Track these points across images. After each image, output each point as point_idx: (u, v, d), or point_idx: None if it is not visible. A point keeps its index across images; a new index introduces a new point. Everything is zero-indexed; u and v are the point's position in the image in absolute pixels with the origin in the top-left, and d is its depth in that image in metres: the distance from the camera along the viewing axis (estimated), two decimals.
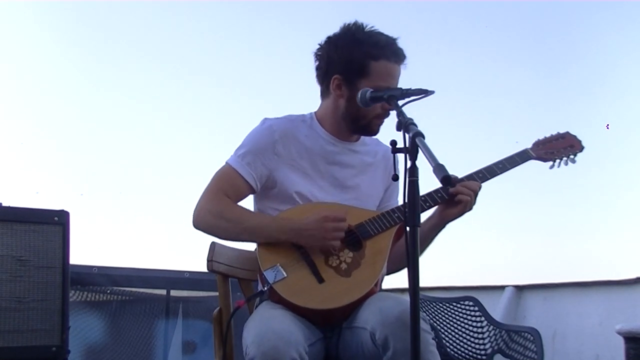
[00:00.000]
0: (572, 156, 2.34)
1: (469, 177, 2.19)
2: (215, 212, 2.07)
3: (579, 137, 2.37)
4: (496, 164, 2.23)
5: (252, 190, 2.14)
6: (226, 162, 2.15)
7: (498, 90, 5.95)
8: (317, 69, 2.22)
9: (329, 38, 2.18)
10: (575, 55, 5.54)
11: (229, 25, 6.05)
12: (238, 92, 5.99)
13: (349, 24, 2.16)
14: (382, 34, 2.14)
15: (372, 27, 2.15)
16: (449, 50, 5.93)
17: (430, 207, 2.16)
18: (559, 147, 2.33)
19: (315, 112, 2.25)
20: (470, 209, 2.15)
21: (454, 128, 5.72)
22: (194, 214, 2.10)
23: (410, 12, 5.86)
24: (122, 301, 3.76)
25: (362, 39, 2.11)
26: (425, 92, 1.87)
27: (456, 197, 2.12)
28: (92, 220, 4.96)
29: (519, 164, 2.27)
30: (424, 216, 2.17)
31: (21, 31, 5.47)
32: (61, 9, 5.33)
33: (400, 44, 2.14)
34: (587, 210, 5.39)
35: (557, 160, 2.33)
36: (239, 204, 2.15)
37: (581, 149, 2.35)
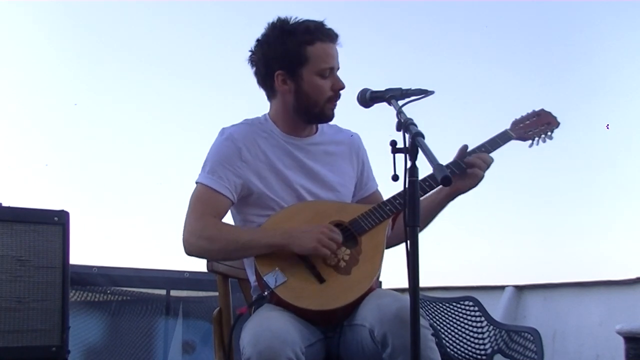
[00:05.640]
0: (549, 133, 2.35)
1: (454, 163, 2.17)
2: (205, 237, 2.03)
3: (554, 114, 2.37)
4: (479, 148, 2.22)
5: (230, 203, 2.11)
6: (197, 182, 2.12)
7: (498, 91, 5.96)
8: (256, 74, 2.19)
9: (258, 40, 2.17)
10: (576, 55, 5.54)
11: (227, 26, 6.06)
12: (238, 91, 5.99)
13: (273, 22, 2.16)
14: (309, 20, 2.14)
15: (296, 17, 2.15)
16: (449, 50, 5.93)
17: (433, 188, 2.14)
18: (537, 125, 2.33)
19: (268, 114, 2.24)
20: (481, 181, 2.15)
21: (454, 128, 5.72)
22: (183, 242, 2.05)
23: (410, 12, 5.87)
24: (122, 301, 3.76)
25: (291, 30, 2.11)
26: (425, 92, 1.87)
27: (470, 169, 2.12)
28: (92, 220, 4.97)
29: (501, 146, 2.27)
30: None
31: (19, 33, 5.48)
32: (59, 11, 5.34)
33: (328, 24, 2.14)
34: (587, 211, 5.39)
35: (536, 138, 2.33)
36: (224, 220, 2.12)
37: (557, 125, 2.36)
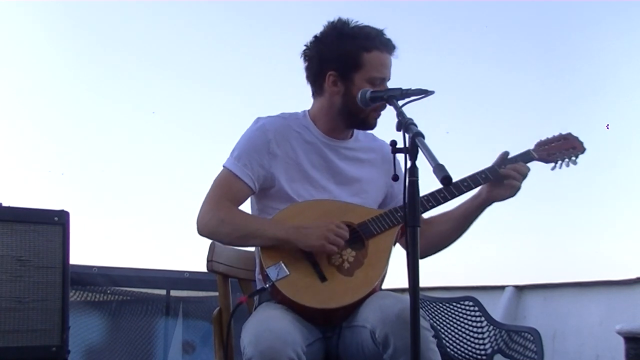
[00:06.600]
0: (573, 158, 2.31)
1: (472, 177, 2.17)
2: (217, 219, 2.07)
3: (581, 139, 2.34)
4: (499, 165, 2.21)
5: (251, 191, 2.13)
6: (223, 166, 2.15)
7: (498, 91, 5.96)
8: (307, 69, 2.20)
9: (316, 37, 2.18)
10: (576, 56, 5.54)
11: (226, 25, 6.06)
12: (237, 91, 5.99)
13: (333, 21, 2.16)
14: (369, 26, 2.15)
15: (357, 21, 2.15)
16: (449, 50, 5.93)
17: (471, 189, 2.17)
18: (561, 149, 2.31)
19: (308, 111, 2.25)
20: (519, 191, 2.16)
21: (454, 128, 5.72)
22: (197, 221, 2.09)
23: (410, 12, 5.87)
24: (122, 301, 3.77)
25: (351, 33, 2.12)
26: (425, 92, 1.87)
27: (506, 180, 2.14)
28: (92, 220, 4.97)
29: None
30: (469, 194, 2.20)
31: (19, 33, 5.48)
32: (59, 11, 5.34)
33: (388, 34, 2.15)
34: (587, 210, 5.39)
35: (559, 162, 2.31)
36: (241, 207, 2.15)
37: (583, 150, 2.32)
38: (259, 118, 2.19)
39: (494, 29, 5.81)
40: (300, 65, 2.22)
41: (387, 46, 2.13)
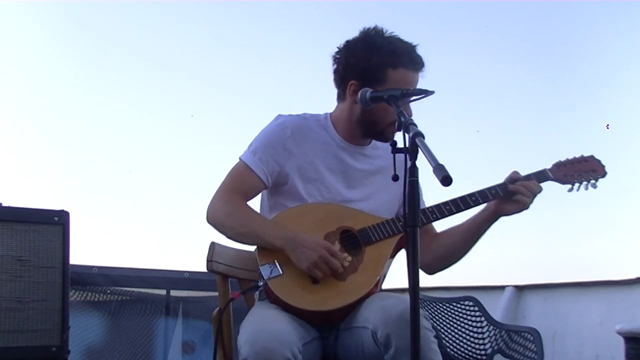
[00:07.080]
0: (593, 181, 2.23)
1: (481, 192, 2.15)
2: (225, 211, 2.09)
3: (603, 162, 2.26)
4: (510, 181, 2.17)
5: (264, 186, 2.15)
6: (239, 158, 2.17)
7: (498, 91, 5.96)
8: (335, 72, 2.20)
9: (347, 42, 2.16)
10: (576, 55, 5.54)
11: (231, 24, 6.06)
12: (237, 91, 5.99)
13: (368, 29, 2.14)
14: (402, 40, 2.12)
15: (392, 32, 2.13)
16: (449, 50, 5.93)
17: (479, 204, 2.15)
18: (580, 171, 2.23)
19: (330, 114, 2.24)
20: (527, 208, 2.14)
21: (454, 128, 5.72)
22: (207, 209, 2.12)
23: (409, 12, 5.87)
24: (122, 301, 3.77)
25: (380, 46, 2.08)
26: (425, 92, 1.87)
27: (515, 196, 2.12)
28: (92, 220, 4.97)
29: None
30: (476, 210, 2.18)
31: (19, 33, 5.48)
32: (59, 11, 5.34)
33: (420, 51, 2.11)
34: (587, 211, 5.38)
35: (577, 184, 2.23)
36: (252, 201, 2.16)
37: (604, 174, 2.25)
38: (279, 115, 2.20)
39: (493, 29, 5.81)
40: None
41: (416, 64, 2.10)
